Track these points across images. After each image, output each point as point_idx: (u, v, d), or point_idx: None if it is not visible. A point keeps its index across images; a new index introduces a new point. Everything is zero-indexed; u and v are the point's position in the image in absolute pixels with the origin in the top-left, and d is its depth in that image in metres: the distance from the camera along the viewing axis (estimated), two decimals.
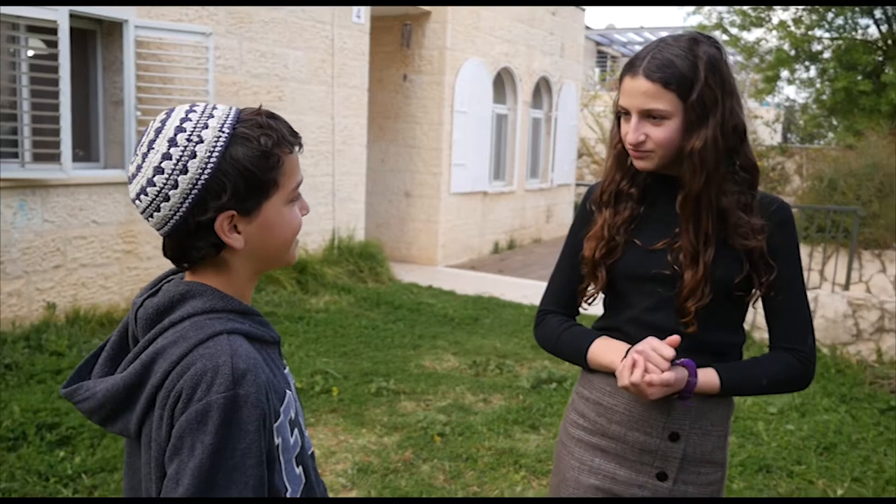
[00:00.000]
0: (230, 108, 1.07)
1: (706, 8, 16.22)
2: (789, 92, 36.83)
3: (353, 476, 3.50)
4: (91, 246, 5.48)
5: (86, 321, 5.29)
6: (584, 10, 12.85)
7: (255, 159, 1.03)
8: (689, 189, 1.48)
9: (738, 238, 1.49)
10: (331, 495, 3.23)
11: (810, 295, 5.91)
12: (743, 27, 15.53)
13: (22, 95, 5.03)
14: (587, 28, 12.68)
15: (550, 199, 12.32)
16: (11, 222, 4.97)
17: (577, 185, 15.50)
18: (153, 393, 1.01)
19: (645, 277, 1.55)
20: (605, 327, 1.65)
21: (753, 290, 1.54)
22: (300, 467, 1.12)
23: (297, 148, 1.10)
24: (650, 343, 1.44)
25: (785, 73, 15.86)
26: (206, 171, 1.01)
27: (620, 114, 1.53)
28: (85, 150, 5.73)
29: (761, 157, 16.02)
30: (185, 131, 1.02)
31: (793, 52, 14.88)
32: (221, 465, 0.95)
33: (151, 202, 1.04)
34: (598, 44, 25.76)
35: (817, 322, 5.78)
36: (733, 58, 22.75)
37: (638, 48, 26.00)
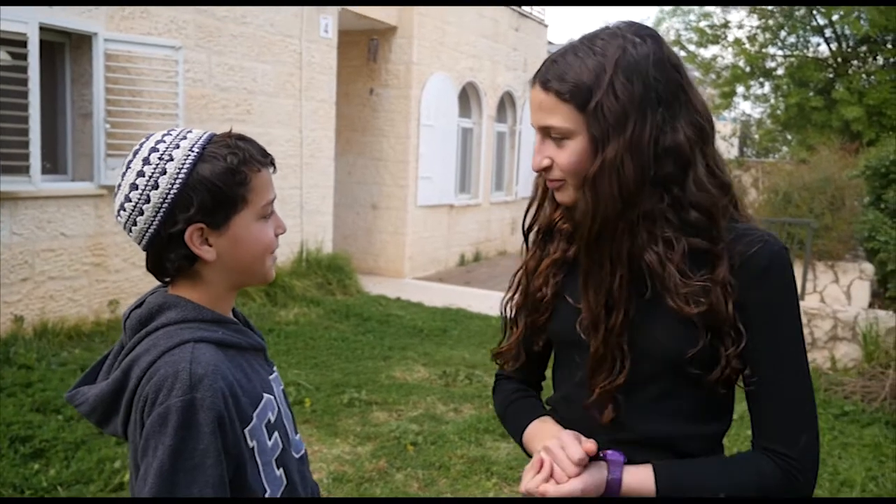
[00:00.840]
0: (204, 132, 1.16)
1: (664, 25, 16.63)
2: (745, 107, 37.72)
3: (329, 485, 3.56)
4: (59, 259, 5.46)
5: (54, 334, 5.25)
6: (546, 25, 13.11)
7: (221, 175, 1.11)
8: (579, 234, 1.16)
9: (676, 300, 1.11)
10: None
11: None
12: (700, 44, 15.95)
13: None
14: (550, 43, 12.95)
15: (515, 212, 12.50)
16: None
17: None
18: (130, 398, 1.10)
19: (571, 343, 1.23)
20: (549, 402, 1.36)
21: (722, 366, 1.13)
22: (280, 469, 1.18)
23: (267, 167, 1.18)
24: (561, 440, 1.15)
25: (741, 89, 16.33)
26: (174, 186, 1.10)
27: None
28: (53, 163, 5.70)
29: None
30: (158, 151, 1.12)
31: (748, 69, 15.33)
32: (181, 464, 1.03)
33: (129, 216, 1.13)
34: None
35: None
36: (691, 73, 23.32)
37: None
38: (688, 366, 1.13)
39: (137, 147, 1.15)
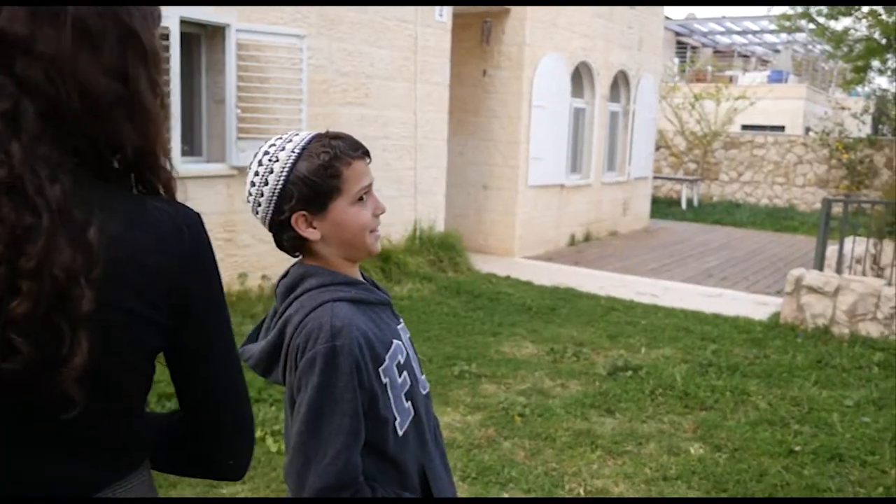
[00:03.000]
0: (307, 135, 1.39)
1: None
2: (882, 81, 35.28)
3: None
4: None
5: None
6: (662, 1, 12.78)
7: (316, 171, 1.34)
8: None
9: None
10: None
11: (893, 290, 5.87)
12: (830, 16, 15.09)
13: None
14: (667, 19, 12.61)
15: (627, 193, 12.35)
16: None
17: (655, 177, 15.43)
18: (286, 350, 1.35)
19: None
20: None
21: None
22: (409, 402, 1.41)
23: (360, 159, 1.39)
24: None
25: (875, 63, 15.35)
26: (279, 183, 1.35)
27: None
28: (190, 145, 6.18)
29: (848, 149, 15.60)
30: (269, 154, 1.37)
31: (884, 41, 14.39)
32: (326, 397, 1.27)
33: (253, 205, 1.39)
34: (677, 34, 25.35)
35: None
36: (820, 47, 22.09)
37: (719, 38, 25.13)
38: None
39: (257, 150, 1.41)
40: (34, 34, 0.85)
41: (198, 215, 1.01)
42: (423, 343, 5.51)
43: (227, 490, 3.28)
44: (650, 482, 3.55)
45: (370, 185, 1.42)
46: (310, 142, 1.37)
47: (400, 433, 1.39)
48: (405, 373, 1.42)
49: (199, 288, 0.98)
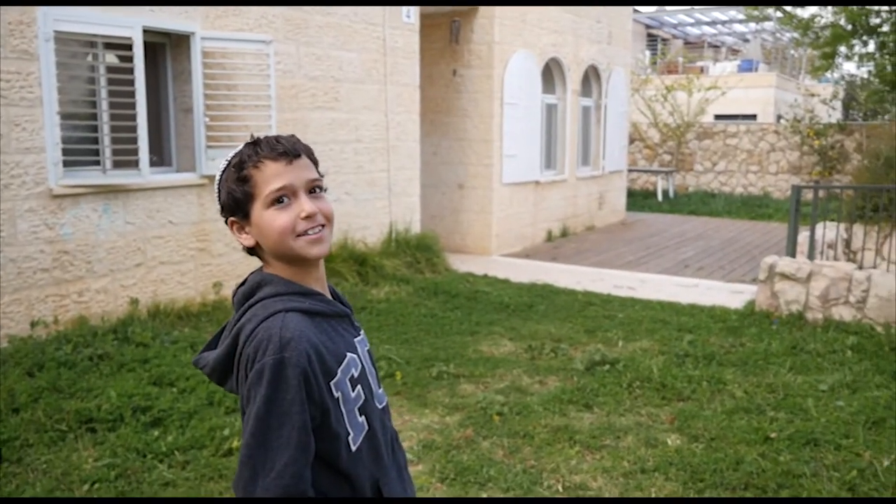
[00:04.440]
0: (243, 145, 1.40)
1: None
2: (850, 67, 35.71)
3: (419, 452, 3.77)
4: (168, 245, 5.88)
5: (165, 314, 5.69)
6: None
7: (230, 177, 1.36)
8: None
9: None
10: None
11: (864, 274, 5.95)
12: (797, 3, 15.24)
13: (101, 107, 5.43)
14: (635, 11, 12.67)
15: (602, 186, 12.41)
16: (97, 225, 5.38)
17: (630, 170, 15.51)
18: (237, 360, 1.35)
19: None
20: None
21: None
22: (363, 416, 1.40)
23: (273, 160, 1.33)
24: None
25: (842, 49, 15.52)
26: (217, 191, 1.40)
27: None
28: (159, 156, 6.12)
29: (819, 136, 15.77)
30: (221, 166, 1.41)
31: (849, 27, 14.56)
32: (274, 409, 1.26)
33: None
34: (647, 27, 25.51)
35: (872, 301, 5.83)
36: (788, 35, 22.30)
37: (689, 29, 25.21)
38: None
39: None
40: None
41: None
42: (401, 345, 5.50)
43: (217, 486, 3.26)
44: (628, 475, 3.57)
45: (291, 188, 1.34)
46: (241, 149, 1.39)
47: (353, 448, 1.37)
48: (359, 387, 1.41)
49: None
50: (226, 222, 1.42)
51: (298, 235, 1.35)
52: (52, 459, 3.53)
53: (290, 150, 1.35)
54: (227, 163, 1.40)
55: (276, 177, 1.34)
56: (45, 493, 3.25)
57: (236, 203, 1.37)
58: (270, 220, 1.35)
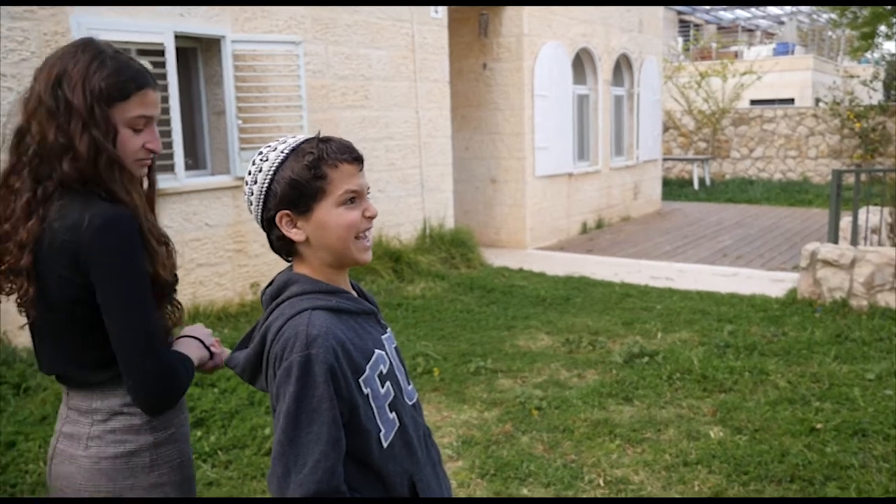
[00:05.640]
0: (299, 138, 1.41)
1: None
2: (890, 46, 34.74)
3: (459, 448, 3.76)
4: (205, 247, 5.96)
5: (205, 316, 5.76)
6: None
7: (300, 171, 1.35)
8: None
9: None
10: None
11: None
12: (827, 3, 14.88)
13: None
14: None
15: (637, 176, 12.27)
16: None
17: (665, 159, 15.30)
18: (266, 358, 1.37)
19: None
20: None
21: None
22: (393, 413, 1.41)
23: (349, 163, 1.38)
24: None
25: (882, 28, 15.12)
26: (266, 181, 1.37)
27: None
28: (193, 159, 6.20)
29: (860, 118, 15.39)
30: (261, 154, 1.40)
31: (889, 6, 14.16)
32: (303, 406, 1.27)
33: (248, 205, 1.43)
34: (679, 13, 25.14)
35: None
36: (825, 16, 21.78)
37: (722, 13, 24.86)
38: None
39: (256, 152, 1.44)
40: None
41: (115, 214, 1.45)
42: (438, 341, 5.50)
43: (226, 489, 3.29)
44: (670, 468, 3.52)
45: (361, 191, 1.41)
46: (300, 143, 1.39)
47: (385, 444, 1.38)
48: (388, 383, 1.41)
49: (97, 258, 1.43)
50: (265, 218, 1.40)
51: (357, 237, 1.40)
52: None
53: (360, 156, 1.42)
54: (283, 155, 1.38)
55: (351, 177, 1.39)
56: None
57: (301, 196, 1.37)
58: (339, 216, 1.38)
